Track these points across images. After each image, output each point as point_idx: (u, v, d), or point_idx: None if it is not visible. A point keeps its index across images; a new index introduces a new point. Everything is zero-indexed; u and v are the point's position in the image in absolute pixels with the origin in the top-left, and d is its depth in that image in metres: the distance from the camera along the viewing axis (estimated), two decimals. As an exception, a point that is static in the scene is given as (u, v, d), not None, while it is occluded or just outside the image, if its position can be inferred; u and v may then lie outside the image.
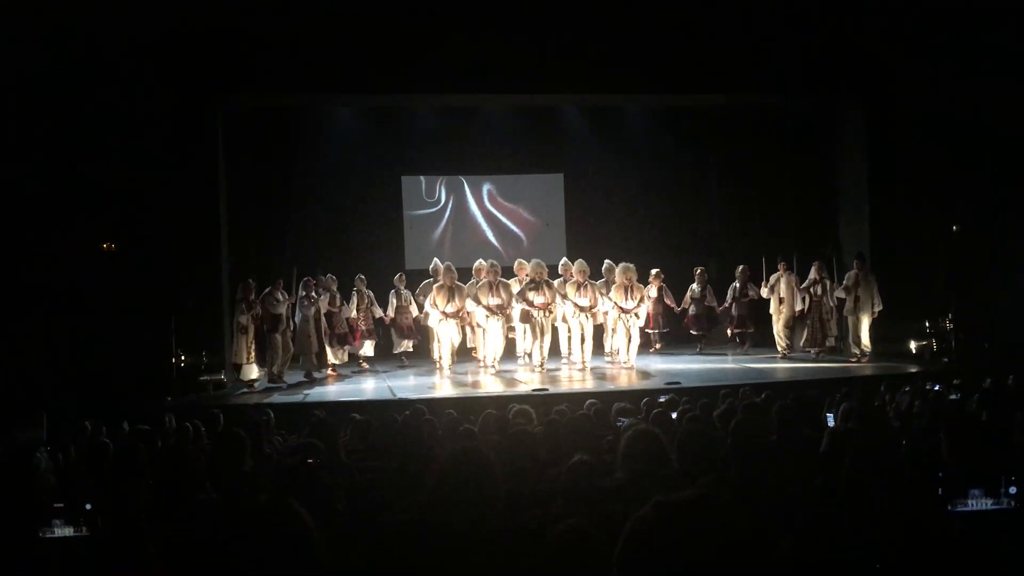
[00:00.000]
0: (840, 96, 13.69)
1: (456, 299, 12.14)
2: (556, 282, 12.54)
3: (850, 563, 2.45)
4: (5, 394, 10.41)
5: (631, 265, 12.55)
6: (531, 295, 12.07)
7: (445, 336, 12.23)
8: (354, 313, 13.11)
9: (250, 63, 11.96)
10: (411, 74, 12.43)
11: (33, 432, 9.24)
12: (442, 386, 11.56)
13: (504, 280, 12.23)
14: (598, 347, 13.10)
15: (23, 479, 3.50)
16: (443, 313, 12.07)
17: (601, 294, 12.47)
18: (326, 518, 2.86)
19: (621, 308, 12.27)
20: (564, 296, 12.29)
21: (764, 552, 1.41)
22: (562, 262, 13.01)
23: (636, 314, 12.38)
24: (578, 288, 12.27)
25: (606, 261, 13.06)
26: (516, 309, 12.33)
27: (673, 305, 13.79)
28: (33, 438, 8.13)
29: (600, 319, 12.85)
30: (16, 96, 10.82)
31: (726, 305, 13.84)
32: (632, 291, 12.25)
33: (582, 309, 12.25)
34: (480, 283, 12.33)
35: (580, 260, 12.52)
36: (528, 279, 12.22)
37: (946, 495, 2.69)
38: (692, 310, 13.95)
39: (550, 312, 12.24)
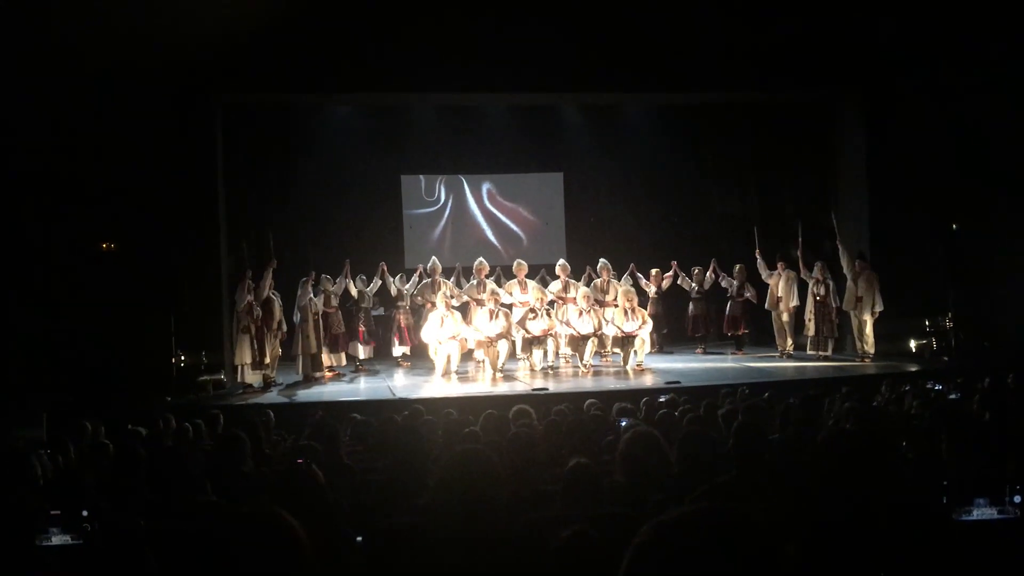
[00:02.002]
0: (839, 92, 13.67)
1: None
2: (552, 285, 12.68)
3: (854, 571, 2.44)
4: (5, 394, 10.41)
5: (632, 288, 12.73)
6: (529, 324, 12.15)
7: (444, 351, 12.16)
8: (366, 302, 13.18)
9: (249, 62, 11.94)
10: (410, 73, 12.41)
11: (32, 432, 9.25)
12: (441, 386, 11.54)
13: (505, 307, 12.23)
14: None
15: (18, 483, 3.49)
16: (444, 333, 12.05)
17: (592, 299, 12.46)
18: (324, 522, 2.84)
19: (623, 332, 12.27)
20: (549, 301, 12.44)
21: (769, 562, 1.39)
22: (559, 263, 12.99)
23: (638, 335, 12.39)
24: (565, 288, 12.53)
25: (601, 260, 13.05)
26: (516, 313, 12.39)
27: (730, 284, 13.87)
28: (32, 439, 8.13)
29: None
30: (15, 93, 10.80)
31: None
32: (634, 313, 12.27)
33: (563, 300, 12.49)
34: (475, 282, 12.43)
35: (562, 261, 12.92)
36: (527, 309, 12.25)
37: (950, 503, 2.67)
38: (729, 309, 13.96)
39: (550, 335, 12.35)
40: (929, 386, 8.20)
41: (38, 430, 9.37)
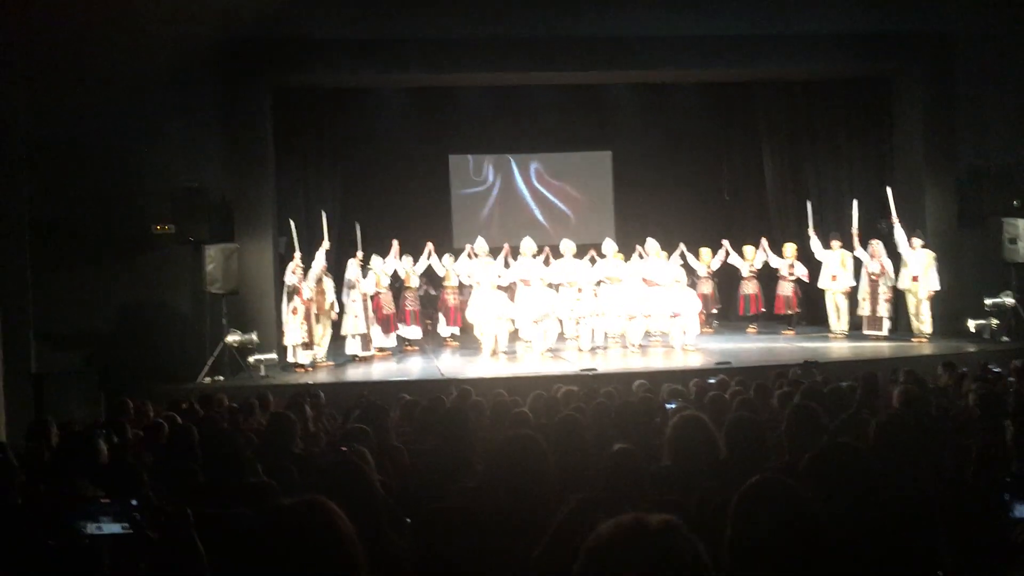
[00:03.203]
0: (897, 67, 13.32)
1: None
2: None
3: (906, 567, 2.38)
4: (65, 374, 10.67)
5: (681, 268, 12.80)
6: (577, 304, 12.31)
7: (491, 331, 12.18)
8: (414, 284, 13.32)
9: (298, 43, 12.00)
10: (458, 53, 12.37)
11: (92, 412, 9.50)
12: (489, 366, 11.56)
13: (552, 287, 12.39)
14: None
15: (81, 468, 3.56)
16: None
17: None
18: (370, 509, 2.85)
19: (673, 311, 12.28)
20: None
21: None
22: (606, 242, 12.90)
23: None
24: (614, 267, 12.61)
25: (649, 240, 12.92)
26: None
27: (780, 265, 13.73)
28: (92, 419, 8.34)
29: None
30: (68, 74, 11.00)
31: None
32: (683, 292, 12.33)
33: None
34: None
35: (608, 240, 13.02)
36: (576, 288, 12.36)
37: (1011, 499, 2.57)
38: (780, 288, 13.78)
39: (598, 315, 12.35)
40: (989, 367, 8.01)
41: (97, 410, 9.63)
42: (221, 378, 10.98)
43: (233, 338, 11.21)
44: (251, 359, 11.31)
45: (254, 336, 11.36)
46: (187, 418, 6.34)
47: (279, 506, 1.88)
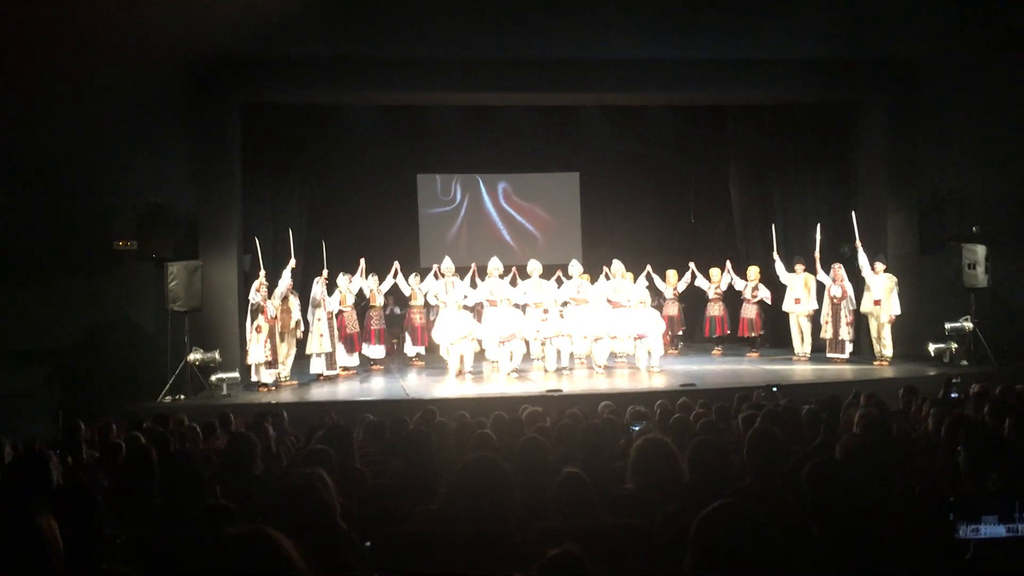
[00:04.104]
0: (861, 95, 13.54)
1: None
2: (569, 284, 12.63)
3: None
4: (23, 391, 10.48)
5: (647, 289, 12.78)
6: (543, 325, 12.28)
7: (456, 351, 12.16)
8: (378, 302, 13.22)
9: (266, 61, 11.96)
10: (427, 72, 12.38)
11: (49, 431, 9.31)
12: (454, 386, 11.52)
13: (518, 308, 12.34)
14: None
15: (33, 489, 3.47)
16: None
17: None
18: (326, 536, 2.81)
19: (638, 333, 12.30)
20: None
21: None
22: (573, 264, 12.90)
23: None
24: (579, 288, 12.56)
25: (615, 261, 12.95)
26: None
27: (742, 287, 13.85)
28: (48, 437, 8.16)
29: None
30: (33, 98, 10.86)
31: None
32: (648, 313, 12.39)
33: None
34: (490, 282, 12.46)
35: (575, 261, 12.84)
36: (541, 310, 12.32)
37: (956, 520, 2.61)
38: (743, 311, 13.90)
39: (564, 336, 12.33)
40: (944, 392, 8.11)
41: (53, 427, 9.44)
42: (182, 397, 10.84)
43: (195, 356, 11.08)
44: (213, 378, 11.18)
45: (216, 355, 11.23)
46: (147, 438, 6.23)
47: (220, 536, 1.79)
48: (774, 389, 9.13)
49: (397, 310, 14.55)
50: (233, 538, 1.79)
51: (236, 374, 11.42)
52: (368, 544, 3.70)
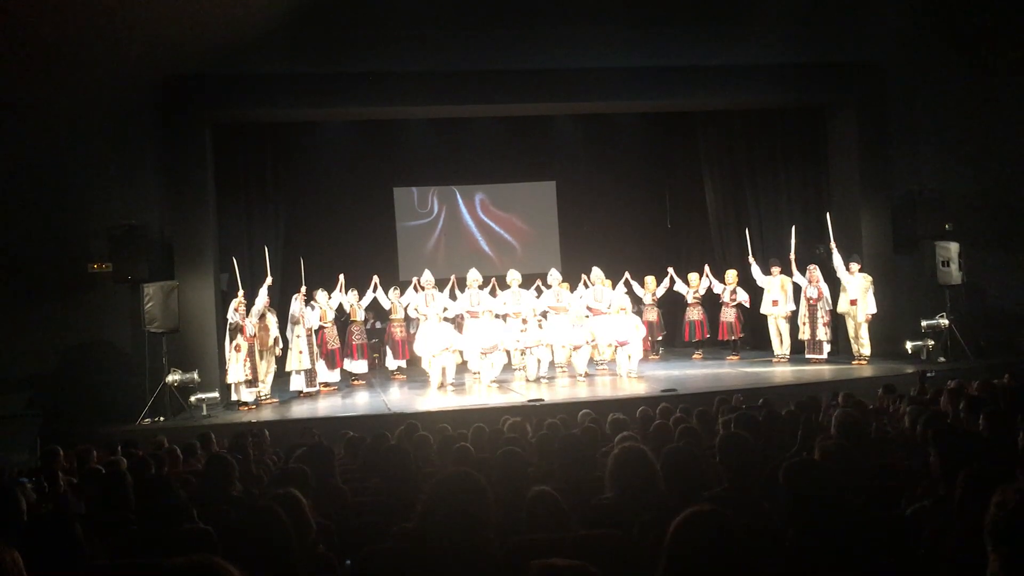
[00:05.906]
0: (833, 97, 13.65)
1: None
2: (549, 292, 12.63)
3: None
4: (6, 419, 10.37)
5: (626, 295, 12.85)
6: (523, 335, 12.30)
7: (438, 363, 12.16)
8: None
9: (238, 79, 11.90)
10: (400, 86, 12.36)
11: (30, 458, 9.20)
12: (436, 399, 11.50)
13: (499, 318, 12.35)
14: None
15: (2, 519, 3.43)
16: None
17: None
18: (282, 560, 2.78)
19: (616, 340, 12.35)
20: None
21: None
22: (552, 272, 12.90)
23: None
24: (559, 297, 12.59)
25: (594, 268, 12.96)
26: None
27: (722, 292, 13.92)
28: (27, 465, 8.07)
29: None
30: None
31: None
32: (627, 320, 12.42)
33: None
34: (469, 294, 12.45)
35: (554, 270, 12.82)
36: (520, 319, 12.33)
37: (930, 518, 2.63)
38: (722, 314, 13.97)
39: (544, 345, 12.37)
40: (922, 386, 8.18)
41: (31, 455, 9.34)
42: (162, 419, 10.76)
43: (174, 377, 11.00)
44: (193, 398, 11.11)
45: (195, 375, 11.16)
46: (125, 463, 6.18)
47: (166, 568, 1.77)
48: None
49: (378, 324, 14.51)
50: (177, 569, 1.76)
51: (216, 394, 11.34)
52: (348, 563, 3.69)
